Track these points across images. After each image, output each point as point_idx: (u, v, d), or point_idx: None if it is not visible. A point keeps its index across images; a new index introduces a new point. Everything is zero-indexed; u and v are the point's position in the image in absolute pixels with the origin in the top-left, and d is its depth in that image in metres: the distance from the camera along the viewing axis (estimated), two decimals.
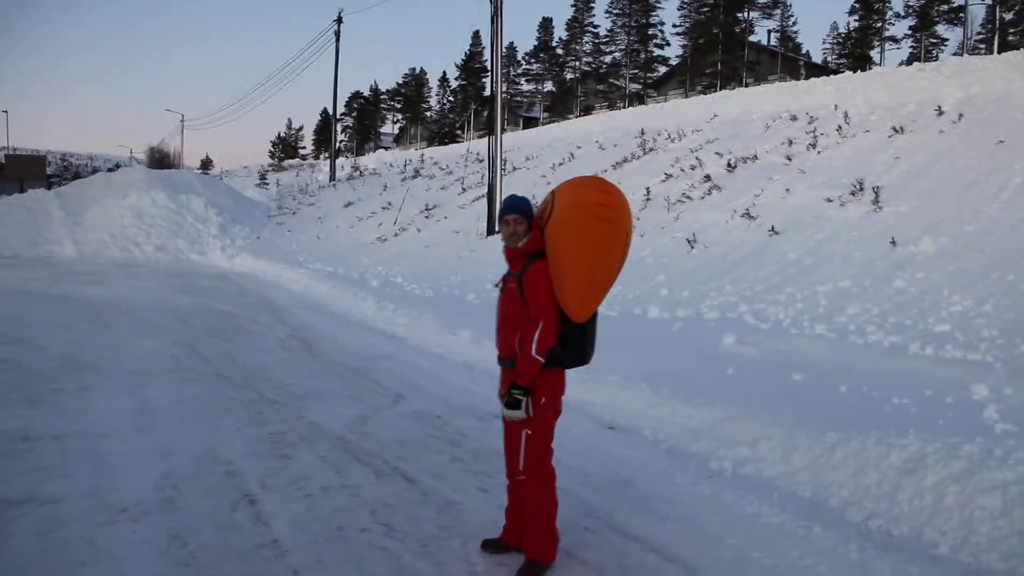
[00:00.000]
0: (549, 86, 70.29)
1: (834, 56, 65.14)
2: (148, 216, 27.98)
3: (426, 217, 24.10)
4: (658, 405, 6.85)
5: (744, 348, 8.11)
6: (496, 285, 4.04)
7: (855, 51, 51.84)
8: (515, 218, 3.92)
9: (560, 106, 63.16)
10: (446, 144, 57.64)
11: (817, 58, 66.45)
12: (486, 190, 21.30)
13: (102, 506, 4.76)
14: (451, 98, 77.92)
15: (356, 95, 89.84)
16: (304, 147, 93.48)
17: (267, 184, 44.67)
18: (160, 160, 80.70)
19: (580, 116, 52.36)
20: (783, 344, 8.14)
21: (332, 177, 39.35)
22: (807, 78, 31.87)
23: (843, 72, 30.76)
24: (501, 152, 19.83)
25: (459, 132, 74.06)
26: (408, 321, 11.92)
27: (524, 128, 53.62)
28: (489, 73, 20.70)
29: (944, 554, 4.14)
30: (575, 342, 3.93)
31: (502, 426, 4.05)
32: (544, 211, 3.95)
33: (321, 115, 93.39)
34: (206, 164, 79.34)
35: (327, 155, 73.95)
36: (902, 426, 5.33)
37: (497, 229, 4.02)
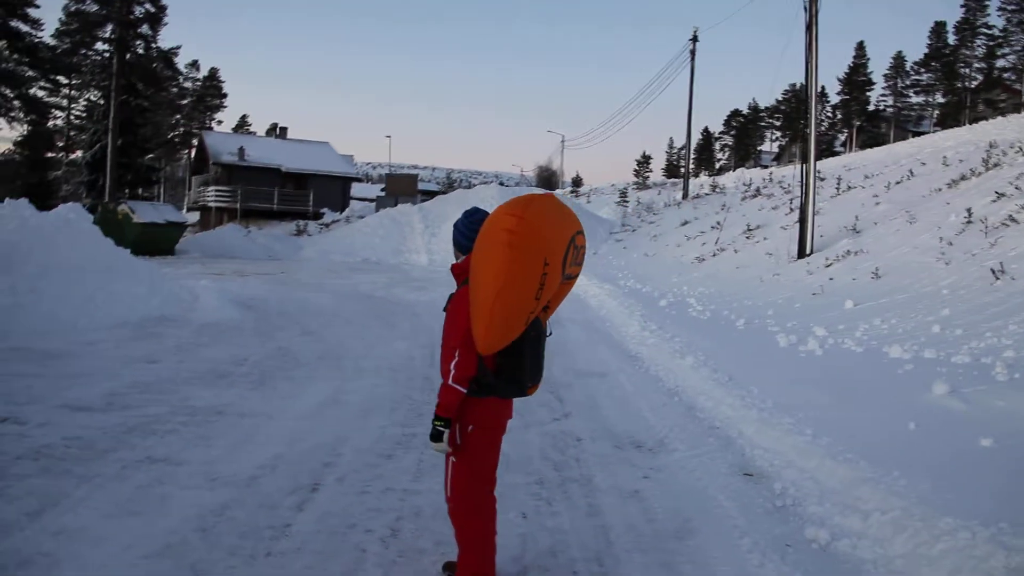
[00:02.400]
0: (939, 97, 63.93)
1: None
2: None
3: (747, 238, 23.33)
4: (810, 455, 6.11)
5: (950, 401, 6.85)
6: (444, 310, 3.83)
7: None
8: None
9: (950, 118, 57.11)
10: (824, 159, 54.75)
11: None
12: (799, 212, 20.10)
13: (202, 474, 5.46)
14: (830, 113, 73.83)
15: (735, 113, 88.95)
16: (682, 166, 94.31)
17: (627, 202, 45.91)
18: (547, 179, 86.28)
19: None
20: (1004, 400, 6.73)
21: (684, 195, 39.51)
22: None
23: None
24: (814, 173, 18.64)
25: (841, 148, 70.09)
26: (656, 342, 11.76)
27: None
28: (808, 87, 19.53)
29: None
30: (509, 370, 3.65)
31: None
32: None
33: (702, 134, 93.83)
34: (576, 183, 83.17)
35: (705, 173, 73.95)
36: None
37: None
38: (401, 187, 45.95)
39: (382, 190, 57.13)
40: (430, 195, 49.55)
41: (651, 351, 11.30)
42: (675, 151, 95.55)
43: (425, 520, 4.80)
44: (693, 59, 37.99)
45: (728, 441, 6.95)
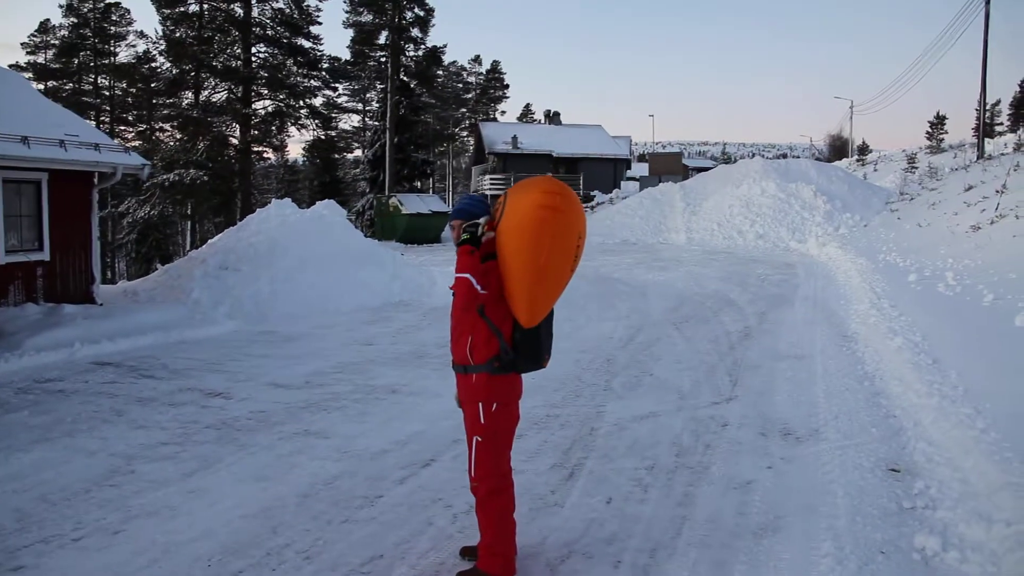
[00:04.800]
0: None
1: None
2: (755, 205, 29.22)
3: None
4: (970, 452, 5.44)
5: None
6: (450, 288, 3.95)
7: None
8: (458, 223, 3.90)
9: None
10: None
11: None
12: None
13: (337, 448, 6.07)
14: None
15: None
16: (1000, 123, 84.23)
17: (915, 168, 42.50)
18: (839, 148, 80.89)
19: None
20: None
21: (979, 157, 35.91)
22: None
23: None
24: None
25: None
26: (877, 321, 10.87)
27: None
28: None
29: None
30: (528, 345, 3.81)
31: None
32: (496, 212, 3.83)
33: (1020, 86, 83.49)
34: (863, 150, 76.60)
35: None
36: None
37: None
38: (665, 166, 45.65)
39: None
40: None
41: (868, 331, 10.49)
42: (987, 109, 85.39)
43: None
44: (988, 4, 33.94)
45: (895, 432, 6.37)
